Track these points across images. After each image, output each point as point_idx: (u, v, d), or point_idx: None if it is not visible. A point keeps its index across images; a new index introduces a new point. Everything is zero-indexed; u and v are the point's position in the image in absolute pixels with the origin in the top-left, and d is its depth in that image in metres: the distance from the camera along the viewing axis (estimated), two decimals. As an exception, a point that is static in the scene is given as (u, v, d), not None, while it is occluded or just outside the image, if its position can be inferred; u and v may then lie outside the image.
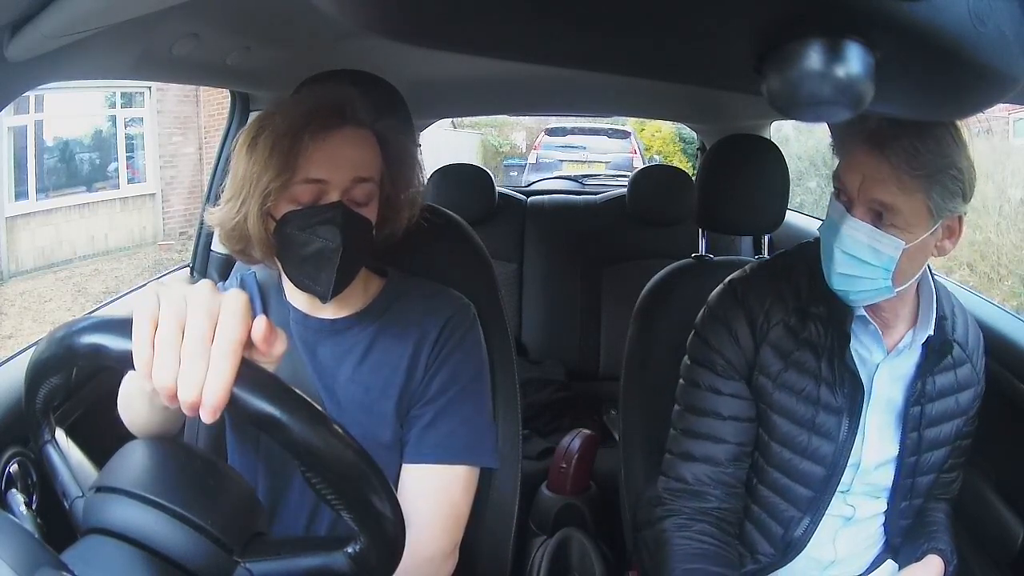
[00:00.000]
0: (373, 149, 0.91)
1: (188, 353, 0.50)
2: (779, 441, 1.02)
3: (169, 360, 0.51)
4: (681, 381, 1.10)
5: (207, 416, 0.50)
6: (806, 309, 1.00)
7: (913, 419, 1.01)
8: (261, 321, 0.52)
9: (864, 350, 1.00)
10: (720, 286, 1.10)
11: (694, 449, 1.05)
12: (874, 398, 1.00)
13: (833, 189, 0.94)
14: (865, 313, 0.98)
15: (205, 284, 0.53)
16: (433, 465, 0.93)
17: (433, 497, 0.93)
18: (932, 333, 0.98)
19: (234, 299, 0.52)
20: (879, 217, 0.89)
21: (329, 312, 0.97)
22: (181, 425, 0.88)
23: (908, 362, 1.01)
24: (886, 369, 1.00)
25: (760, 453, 1.04)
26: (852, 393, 0.99)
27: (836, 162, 0.95)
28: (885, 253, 0.89)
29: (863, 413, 0.99)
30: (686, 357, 1.10)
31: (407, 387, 0.95)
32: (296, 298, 0.98)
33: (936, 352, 0.99)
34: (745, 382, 1.04)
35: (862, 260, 0.90)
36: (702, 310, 1.10)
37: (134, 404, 0.75)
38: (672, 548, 1.00)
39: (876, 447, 1.01)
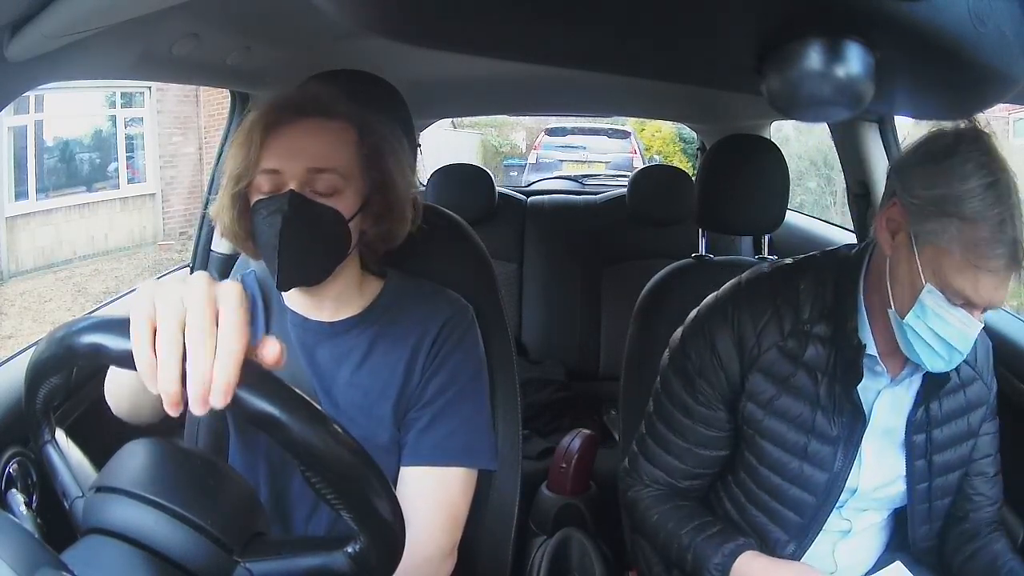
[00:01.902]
0: (344, 141, 0.90)
1: (194, 350, 0.49)
2: (768, 467, 0.99)
3: (172, 366, 0.49)
4: (658, 381, 1.07)
5: (218, 402, 0.49)
6: (808, 330, 0.95)
7: (918, 447, 0.97)
8: (272, 342, 0.52)
9: (868, 377, 0.95)
10: (713, 296, 1.05)
11: (654, 455, 1.06)
12: (872, 425, 0.97)
13: (933, 293, 0.85)
14: (875, 353, 0.94)
15: (200, 276, 0.52)
16: (431, 467, 0.93)
17: (431, 498, 0.93)
18: None
19: (230, 289, 0.51)
20: None
21: (327, 314, 0.97)
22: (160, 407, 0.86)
23: (911, 389, 0.98)
24: (888, 396, 0.97)
25: (748, 475, 1.01)
26: (851, 423, 0.95)
27: (933, 254, 0.84)
28: None
29: (861, 442, 0.96)
30: (667, 357, 1.06)
31: (405, 389, 0.95)
32: (293, 300, 0.98)
33: (933, 378, 0.95)
34: (725, 409, 1.01)
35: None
36: (691, 316, 1.05)
37: (123, 392, 0.75)
38: (642, 503, 1.07)
39: (874, 473, 0.98)
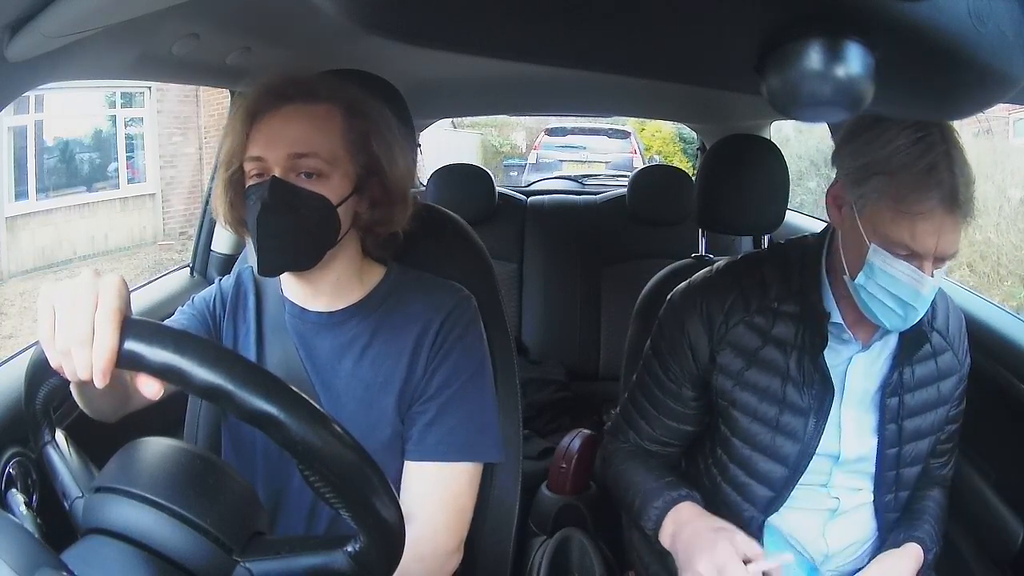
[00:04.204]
0: (328, 124, 0.90)
1: (78, 325, 0.56)
2: (741, 438, 1.02)
3: (60, 340, 0.57)
4: (643, 354, 1.13)
5: (99, 380, 0.55)
6: (776, 308, 1.00)
7: (891, 410, 1.00)
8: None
9: (838, 344, 0.99)
10: (686, 283, 1.10)
11: (630, 417, 1.13)
12: (848, 391, 1.00)
13: (878, 251, 0.89)
14: (841, 321, 0.98)
15: (84, 272, 0.59)
16: (436, 463, 0.93)
17: (437, 495, 0.92)
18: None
19: (109, 280, 0.59)
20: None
21: (325, 303, 0.96)
22: (128, 402, 0.89)
23: (884, 354, 1.01)
24: (861, 362, 1.00)
25: (723, 449, 1.05)
26: (821, 393, 0.99)
27: (878, 220, 0.88)
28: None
29: (831, 411, 0.99)
30: (649, 338, 1.12)
31: (408, 382, 0.94)
32: (291, 291, 0.98)
33: (910, 342, 0.98)
34: (692, 388, 1.06)
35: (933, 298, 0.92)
36: (668, 298, 1.10)
37: (74, 390, 0.77)
38: (616, 456, 1.13)
39: (855, 440, 1.01)
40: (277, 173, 0.87)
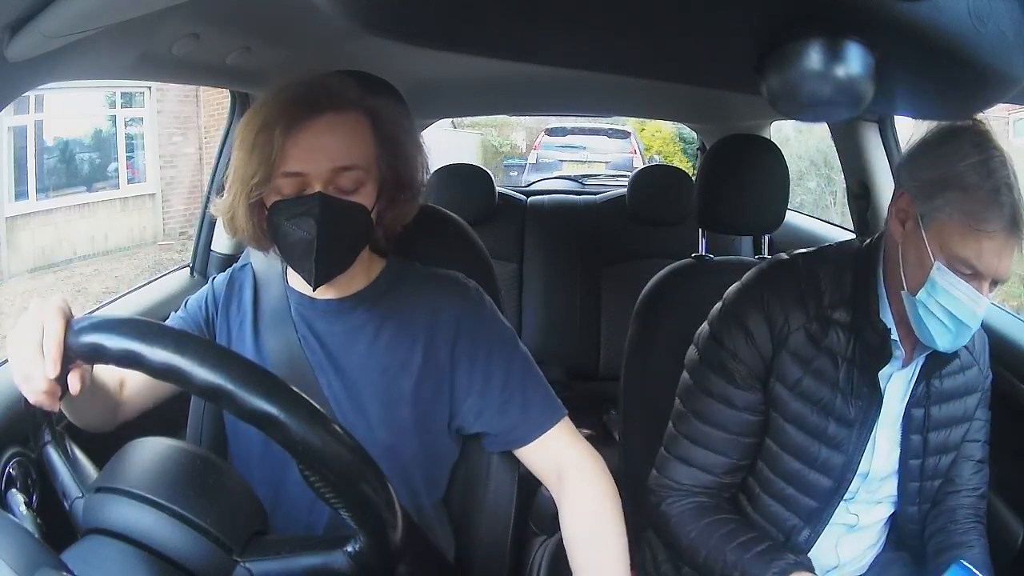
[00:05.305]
0: (360, 133, 0.90)
1: (27, 353, 0.67)
2: (789, 452, 1.00)
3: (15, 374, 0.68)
4: (688, 379, 1.05)
5: (50, 372, 0.66)
6: (829, 315, 0.98)
7: (916, 421, 1.00)
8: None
9: None
10: (738, 284, 1.05)
11: (692, 455, 1.03)
12: (885, 410, 0.99)
13: (943, 270, 0.89)
14: (897, 338, 0.97)
15: (33, 306, 0.68)
16: (544, 436, 0.96)
17: (568, 449, 0.95)
18: None
19: (49, 305, 0.68)
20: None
21: (333, 292, 0.97)
22: (116, 414, 0.91)
23: (914, 372, 1.00)
24: (897, 381, 1.00)
25: (766, 463, 1.02)
26: (867, 406, 0.97)
27: (940, 233, 0.89)
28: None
29: (876, 425, 0.98)
30: (695, 353, 1.05)
31: (427, 368, 0.95)
32: (299, 283, 0.98)
33: (936, 356, 0.98)
34: (762, 389, 1.00)
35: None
36: (717, 307, 1.05)
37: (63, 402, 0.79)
38: (676, 518, 1.03)
39: (885, 458, 1.00)
40: (319, 188, 0.87)
